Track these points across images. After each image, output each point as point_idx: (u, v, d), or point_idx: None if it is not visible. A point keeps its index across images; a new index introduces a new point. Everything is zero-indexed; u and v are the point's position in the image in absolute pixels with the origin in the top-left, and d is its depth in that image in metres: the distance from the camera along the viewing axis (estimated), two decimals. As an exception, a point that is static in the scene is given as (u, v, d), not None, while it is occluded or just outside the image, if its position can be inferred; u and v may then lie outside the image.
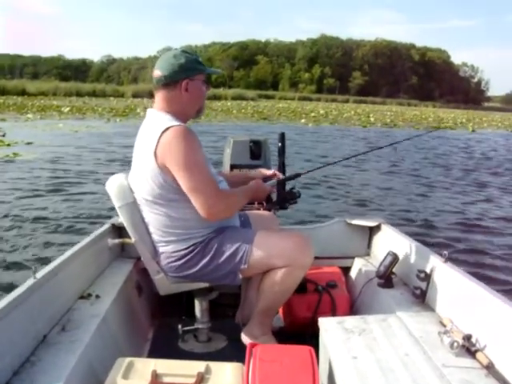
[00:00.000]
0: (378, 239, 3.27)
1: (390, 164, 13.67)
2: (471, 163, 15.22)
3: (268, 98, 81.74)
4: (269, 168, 3.20)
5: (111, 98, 51.83)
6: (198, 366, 1.83)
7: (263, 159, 3.37)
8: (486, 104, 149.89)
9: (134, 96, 55.98)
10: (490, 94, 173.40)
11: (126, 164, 10.87)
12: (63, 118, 24.15)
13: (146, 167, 2.27)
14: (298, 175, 2.82)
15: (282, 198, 2.74)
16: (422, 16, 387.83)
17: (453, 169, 13.69)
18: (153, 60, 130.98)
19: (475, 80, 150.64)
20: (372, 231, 3.32)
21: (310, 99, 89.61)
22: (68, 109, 30.16)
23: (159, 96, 2.38)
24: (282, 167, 3.08)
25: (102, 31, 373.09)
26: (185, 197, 2.27)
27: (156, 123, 2.29)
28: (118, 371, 1.78)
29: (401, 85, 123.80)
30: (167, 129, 2.21)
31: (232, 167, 3.34)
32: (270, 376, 1.74)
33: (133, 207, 2.41)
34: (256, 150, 3.36)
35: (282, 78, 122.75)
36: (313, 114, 37.38)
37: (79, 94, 54.11)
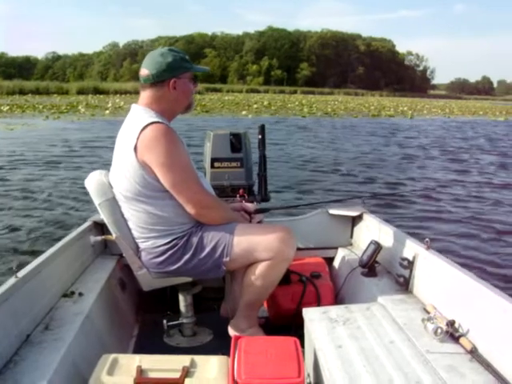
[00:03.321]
0: (360, 228, 3.28)
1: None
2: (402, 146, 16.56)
3: (216, 91, 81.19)
4: (250, 165, 3.22)
5: (55, 95, 51.08)
6: (183, 360, 1.83)
7: (244, 152, 3.36)
8: (431, 92, 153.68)
9: (79, 93, 54.99)
10: (435, 82, 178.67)
11: (52, 160, 11.46)
12: (1, 117, 24.05)
13: (126, 163, 2.27)
14: (267, 210, 2.85)
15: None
16: (370, 7, 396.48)
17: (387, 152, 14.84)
18: (98, 56, 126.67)
19: (420, 68, 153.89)
20: (354, 221, 3.33)
21: (258, 91, 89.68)
22: (8, 107, 30.02)
23: (146, 94, 2.38)
24: (262, 159, 3.08)
25: (46, 27, 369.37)
26: (164, 194, 2.28)
27: (137, 119, 2.29)
28: (103, 368, 1.77)
29: (348, 75, 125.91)
30: (147, 125, 2.22)
31: (213, 161, 3.33)
32: (256, 367, 1.74)
33: (113, 203, 2.40)
34: (236, 142, 3.35)
35: (230, 71, 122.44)
36: (255, 106, 37.67)
37: (22, 92, 53.07)
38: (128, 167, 2.26)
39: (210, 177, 3.29)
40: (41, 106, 31.61)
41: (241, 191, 3.23)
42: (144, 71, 2.35)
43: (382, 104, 53.19)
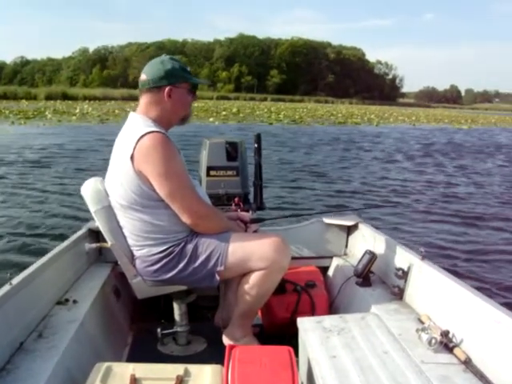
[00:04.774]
0: (355, 238, 3.28)
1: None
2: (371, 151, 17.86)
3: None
4: (246, 176, 3.23)
5: (23, 101, 50.54)
6: (177, 368, 1.82)
7: (239, 160, 3.36)
8: (400, 100, 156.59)
9: (48, 98, 54.57)
10: (404, 90, 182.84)
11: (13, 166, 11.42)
12: (-35, 123, 24.06)
13: (122, 172, 2.27)
14: (263, 220, 2.84)
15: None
16: (341, 16, 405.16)
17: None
18: (68, 61, 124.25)
19: (390, 77, 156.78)
20: (349, 230, 3.33)
21: (229, 98, 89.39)
22: (-27, 113, 29.88)
23: (143, 100, 2.39)
24: (258, 168, 3.08)
25: (14, 31, 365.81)
26: (160, 203, 2.28)
27: (135, 128, 2.29)
28: (96, 376, 1.75)
29: (318, 83, 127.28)
30: (145, 134, 2.21)
31: (208, 169, 3.33)
32: (250, 377, 1.73)
33: (109, 211, 2.40)
34: (232, 151, 3.35)
35: (200, 78, 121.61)
36: (224, 113, 37.85)
37: (-11, 97, 52.77)
38: (124, 176, 2.25)
39: (205, 185, 3.29)
40: (7, 112, 31.47)
41: (236, 200, 3.22)
42: (142, 76, 2.37)
43: (350, 112, 54.24)
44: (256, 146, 3.15)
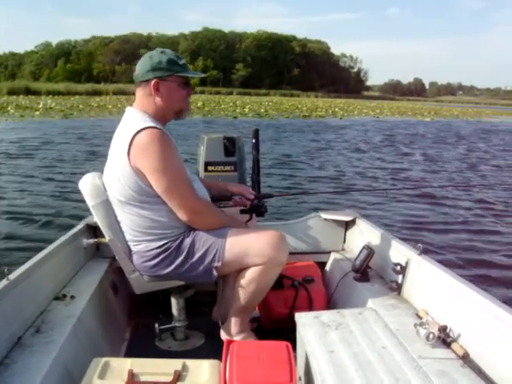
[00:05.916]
0: (353, 233, 3.29)
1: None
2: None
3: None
4: (243, 175, 3.25)
5: None
6: (175, 364, 1.82)
7: (237, 156, 3.37)
8: (365, 93, 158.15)
9: (10, 93, 52.30)
10: (370, 83, 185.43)
11: None
12: None
13: (119, 167, 2.26)
14: (271, 196, 2.88)
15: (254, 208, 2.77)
16: (305, 9, 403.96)
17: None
18: (30, 55, 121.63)
19: (355, 70, 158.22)
20: (347, 225, 3.34)
21: (194, 92, 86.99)
22: None
23: (137, 94, 2.40)
24: (256, 163, 3.08)
25: None
26: (157, 199, 2.28)
27: (131, 123, 2.28)
28: (94, 371, 1.76)
29: (283, 76, 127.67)
30: (140, 130, 2.20)
31: (206, 164, 3.34)
32: (247, 372, 1.74)
33: (106, 206, 2.39)
34: (230, 146, 3.36)
35: None
36: None
37: None
38: (121, 171, 2.25)
39: None
40: (-32, 108, 30.57)
41: None
42: (135, 71, 2.38)
43: (315, 105, 54.57)
44: (254, 141, 3.15)
